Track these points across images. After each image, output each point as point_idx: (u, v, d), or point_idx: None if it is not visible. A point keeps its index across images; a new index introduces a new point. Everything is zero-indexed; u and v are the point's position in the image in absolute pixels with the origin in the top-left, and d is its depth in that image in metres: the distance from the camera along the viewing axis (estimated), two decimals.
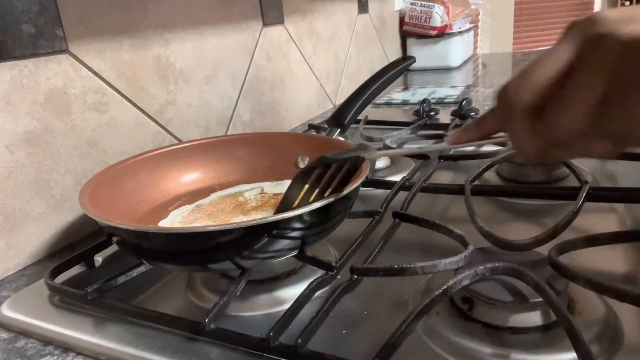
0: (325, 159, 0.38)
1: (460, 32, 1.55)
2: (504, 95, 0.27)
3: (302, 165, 0.54)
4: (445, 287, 0.32)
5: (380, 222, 0.47)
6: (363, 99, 0.63)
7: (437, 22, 1.49)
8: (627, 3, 3.85)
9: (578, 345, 0.28)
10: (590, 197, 0.47)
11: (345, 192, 0.37)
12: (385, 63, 0.70)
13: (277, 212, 0.40)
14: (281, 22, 0.94)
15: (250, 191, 0.52)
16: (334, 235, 0.41)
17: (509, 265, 0.34)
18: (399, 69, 0.68)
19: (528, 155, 0.28)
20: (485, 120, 0.31)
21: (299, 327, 0.32)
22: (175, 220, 0.47)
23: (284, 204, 0.40)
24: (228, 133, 0.80)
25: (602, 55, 0.23)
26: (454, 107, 0.90)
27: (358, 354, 0.33)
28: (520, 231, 0.49)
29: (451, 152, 0.70)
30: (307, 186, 0.39)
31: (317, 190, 0.39)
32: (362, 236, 0.43)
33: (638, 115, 0.23)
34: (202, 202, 0.50)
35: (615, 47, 0.23)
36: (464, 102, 0.87)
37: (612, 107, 0.23)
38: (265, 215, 0.45)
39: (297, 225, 0.36)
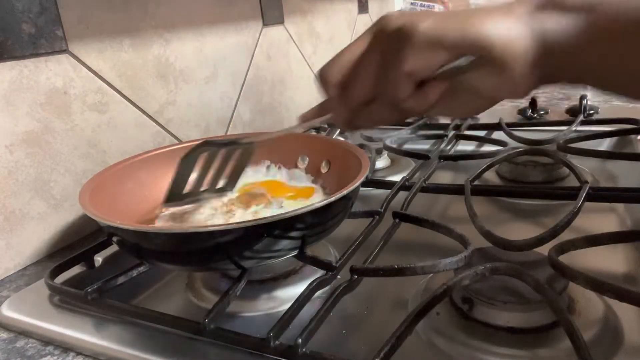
0: (209, 143, 0.43)
1: None
2: (320, 75, 0.34)
3: (301, 166, 0.54)
4: (445, 287, 0.32)
5: (380, 222, 0.47)
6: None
7: None
8: None
9: (578, 345, 0.28)
10: (590, 197, 0.47)
11: (345, 192, 0.37)
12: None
13: (168, 195, 0.43)
14: (281, 22, 0.94)
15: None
16: (334, 235, 0.41)
17: (509, 265, 0.34)
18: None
19: (341, 123, 0.35)
20: (323, 102, 0.37)
21: (299, 327, 0.32)
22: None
23: (174, 188, 0.43)
24: (228, 133, 0.80)
25: (377, 39, 0.32)
26: None
27: (358, 354, 0.33)
28: (520, 231, 0.49)
29: (451, 152, 0.71)
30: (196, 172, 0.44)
31: (209, 176, 0.44)
32: (362, 236, 0.43)
33: (396, 84, 0.30)
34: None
35: (384, 34, 0.31)
36: None
37: (382, 77, 0.31)
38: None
39: (297, 225, 0.36)
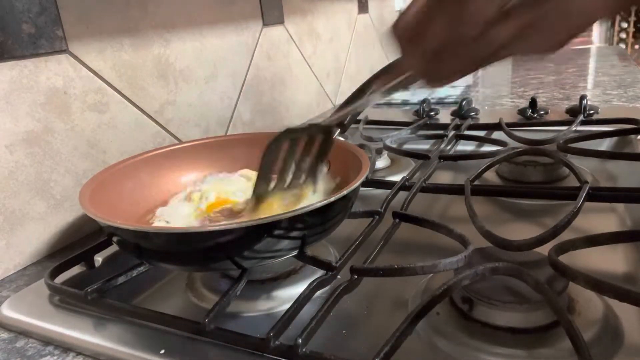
0: (290, 130, 0.41)
1: None
2: (394, 28, 0.31)
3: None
4: (445, 287, 0.32)
5: (380, 222, 0.47)
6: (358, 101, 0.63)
7: None
8: None
9: (578, 345, 0.28)
10: (590, 197, 0.47)
11: (345, 192, 0.37)
12: (385, 63, 0.70)
13: (256, 185, 0.42)
14: (281, 22, 0.94)
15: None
16: (334, 235, 0.41)
17: (509, 265, 0.34)
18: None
19: (425, 75, 0.32)
20: (393, 64, 0.36)
21: (299, 327, 0.32)
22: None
23: (261, 177, 0.42)
24: (228, 133, 0.80)
25: None
26: (454, 107, 0.90)
27: (358, 354, 0.33)
28: (520, 231, 0.49)
29: (451, 152, 0.71)
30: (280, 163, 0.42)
31: (292, 167, 0.43)
32: (362, 236, 0.43)
33: (478, 10, 0.27)
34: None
35: None
36: (464, 102, 0.87)
37: (462, 6, 0.27)
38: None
39: (297, 225, 0.36)
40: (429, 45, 0.30)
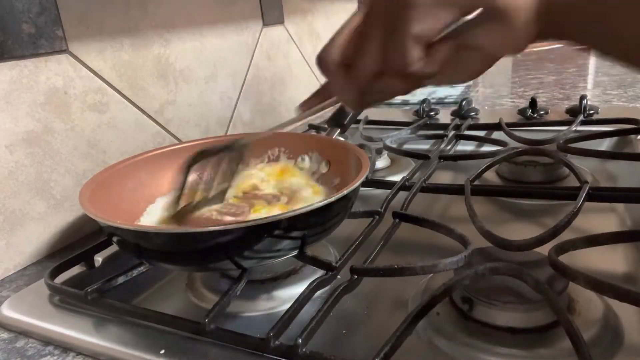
0: (203, 152, 0.43)
1: None
2: (319, 59, 0.34)
3: (302, 166, 0.54)
4: (445, 287, 0.32)
5: (380, 222, 0.47)
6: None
7: None
8: None
9: (578, 345, 0.28)
10: (590, 197, 0.47)
11: (345, 192, 0.37)
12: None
13: (171, 204, 0.43)
14: (281, 22, 0.94)
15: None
16: (334, 235, 0.41)
17: (509, 265, 0.34)
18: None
19: (350, 104, 0.34)
20: (322, 87, 0.38)
21: (299, 327, 0.32)
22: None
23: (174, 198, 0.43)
24: (228, 133, 0.80)
25: (375, 8, 0.30)
26: (454, 107, 0.90)
27: (358, 354, 0.33)
28: (520, 231, 0.49)
29: (451, 152, 0.71)
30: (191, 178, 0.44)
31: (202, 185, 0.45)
32: (362, 236, 0.43)
33: (405, 50, 0.29)
34: None
35: (382, 1, 0.30)
36: (464, 102, 0.87)
37: (388, 46, 0.29)
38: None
39: (297, 225, 0.36)
40: (363, 76, 0.32)
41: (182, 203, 0.44)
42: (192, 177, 0.54)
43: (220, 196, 0.47)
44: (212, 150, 0.43)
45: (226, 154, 0.44)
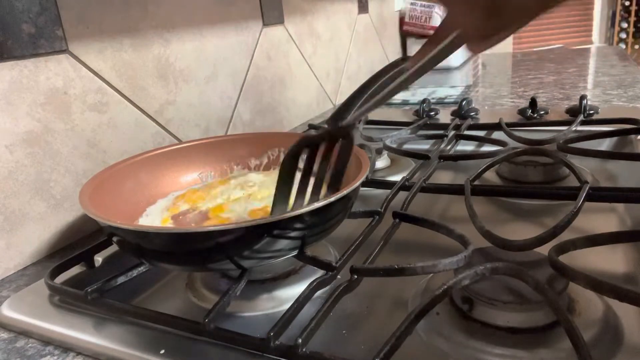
0: (307, 138, 0.37)
1: None
2: None
3: (302, 166, 0.54)
4: (445, 287, 0.32)
5: (380, 222, 0.47)
6: (363, 99, 0.63)
7: (437, 22, 1.49)
8: (627, 3, 3.85)
9: (578, 345, 0.28)
10: (590, 197, 0.47)
11: (345, 192, 0.37)
12: (385, 63, 0.70)
13: (274, 204, 0.39)
14: (281, 22, 0.94)
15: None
16: (334, 235, 0.41)
17: (509, 265, 0.34)
18: (399, 69, 0.68)
19: (474, 32, 0.29)
20: (436, 30, 0.31)
21: (299, 327, 0.32)
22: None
23: (279, 197, 0.39)
24: (228, 133, 0.80)
25: None
26: (454, 107, 0.90)
27: (358, 354, 0.33)
28: (520, 231, 0.49)
29: (451, 152, 0.71)
30: (298, 175, 0.38)
31: (312, 179, 0.38)
32: (362, 236, 0.43)
33: None
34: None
35: None
36: (464, 102, 0.87)
37: None
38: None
39: (297, 225, 0.36)
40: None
41: (291, 201, 0.39)
42: (191, 176, 0.54)
43: (335, 186, 0.40)
44: (316, 138, 0.37)
45: (334, 137, 0.37)
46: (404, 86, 0.34)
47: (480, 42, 0.29)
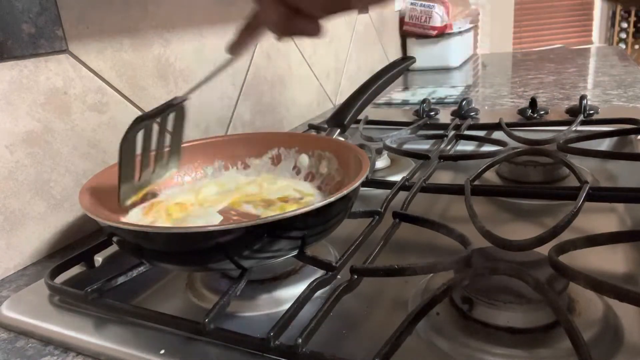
0: (142, 117, 0.42)
1: (460, 32, 1.55)
2: None
3: (301, 166, 0.54)
4: (445, 287, 0.32)
5: (380, 222, 0.47)
6: (363, 99, 0.63)
7: (437, 22, 1.49)
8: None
9: (578, 345, 0.28)
10: (590, 197, 0.47)
11: (345, 192, 0.37)
12: (385, 63, 0.70)
13: (120, 189, 0.43)
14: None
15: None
16: (334, 235, 0.41)
17: (509, 265, 0.34)
18: (399, 69, 0.68)
19: (275, 28, 0.36)
20: (248, 20, 0.39)
21: (299, 327, 0.32)
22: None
23: (124, 180, 0.43)
24: (228, 133, 0.80)
25: None
26: (454, 107, 0.90)
27: (358, 354, 0.33)
28: (520, 231, 0.49)
29: (451, 152, 0.71)
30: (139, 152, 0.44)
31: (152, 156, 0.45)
32: (362, 236, 0.43)
33: None
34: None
35: None
36: (464, 102, 0.87)
37: None
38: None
39: (297, 225, 0.36)
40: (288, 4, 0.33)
41: (137, 179, 0.45)
42: (191, 176, 0.54)
43: (175, 160, 0.49)
44: (149, 114, 0.43)
45: (167, 112, 0.45)
46: (221, 70, 0.43)
47: (284, 35, 0.37)
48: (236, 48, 0.40)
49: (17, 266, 0.50)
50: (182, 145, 0.49)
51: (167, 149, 0.48)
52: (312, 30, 0.36)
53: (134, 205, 0.47)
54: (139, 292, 0.44)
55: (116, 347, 0.35)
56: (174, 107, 0.45)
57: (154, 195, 0.49)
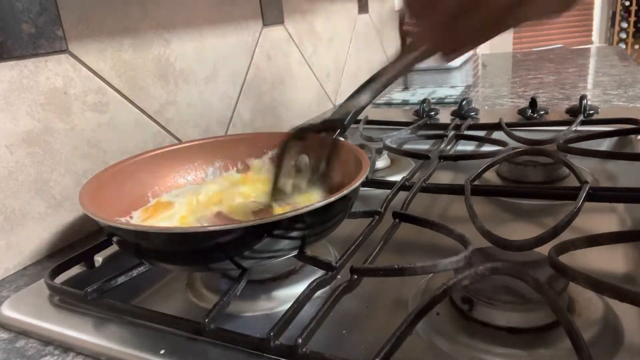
0: (301, 129, 0.40)
1: None
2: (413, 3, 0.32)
3: (301, 165, 0.54)
4: (445, 287, 0.32)
5: (380, 222, 0.47)
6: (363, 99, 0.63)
7: None
8: (627, 3, 3.85)
9: (578, 345, 0.28)
10: (590, 197, 0.47)
11: (345, 192, 0.37)
12: (386, 63, 0.70)
13: (271, 197, 0.42)
14: (281, 22, 0.94)
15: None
16: (334, 235, 0.41)
17: (509, 265, 0.34)
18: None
19: (438, 46, 0.33)
20: (406, 45, 0.36)
21: (299, 327, 0.32)
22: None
23: (275, 190, 0.42)
24: (228, 133, 0.80)
25: None
26: (454, 107, 0.90)
27: (358, 354, 0.33)
28: (520, 231, 0.49)
29: (451, 152, 0.71)
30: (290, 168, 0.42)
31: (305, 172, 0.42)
32: (362, 236, 0.43)
33: None
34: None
35: None
36: (464, 102, 0.87)
37: None
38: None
39: (297, 225, 0.36)
40: (443, 11, 0.30)
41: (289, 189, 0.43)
42: (191, 176, 0.54)
43: (323, 180, 0.44)
44: (312, 127, 0.41)
45: (327, 131, 0.41)
46: (381, 90, 0.39)
47: (445, 56, 0.33)
48: (389, 71, 0.37)
49: (17, 266, 0.50)
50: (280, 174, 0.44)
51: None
52: (475, 44, 0.32)
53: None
54: (139, 292, 0.44)
55: (116, 347, 0.35)
56: (333, 123, 0.41)
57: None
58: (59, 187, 0.53)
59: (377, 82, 0.38)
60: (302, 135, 0.41)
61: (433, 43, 0.33)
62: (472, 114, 0.86)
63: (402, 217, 0.47)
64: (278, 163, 0.41)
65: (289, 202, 0.43)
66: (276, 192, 0.42)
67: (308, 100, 1.06)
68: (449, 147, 0.71)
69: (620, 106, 0.88)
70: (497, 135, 0.74)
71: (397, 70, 0.36)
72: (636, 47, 3.99)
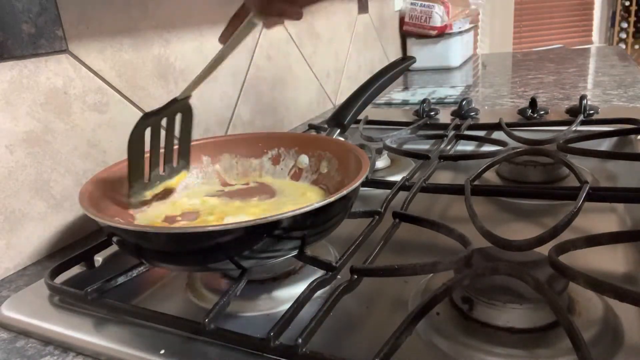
0: (147, 114, 0.44)
1: (460, 32, 1.55)
2: None
3: (301, 166, 0.54)
4: (445, 287, 0.32)
5: (380, 222, 0.47)
6: (363, 99, 0.63)
7: (437, 22, 1.49)
8: (627, 3, 3.86)
9: (578, 345, 0.28)
10: (590, 197, 0.47)
11: (345, 192, 0.37)
12: (385, 63, 0.70)
13: (132, 181, 0.44)
14: (281, 22, 0.94)
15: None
16: (334, 235, 0.41)
17: (509, 265, 0.34)
18: (399, 69, 0.68)
19: (263, 12, 0.39)
20: (237, 12, 0.43)
21: (299, 327, 0.32)
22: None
23: (133, 179, 0.44)
24: (228, 133, 0.80)
25: None
26: (454, 107, 0.90)
27: (358, 354, 0.33)
28: (520, 231, 0.49)
29: (451, 152, 0.71)
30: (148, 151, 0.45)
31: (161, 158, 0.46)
32: (362, 236, 0.43)
33: None
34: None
35: None
36: (464, 102, 0.87)
37: None
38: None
39: (297, 225, 0.36)
40: None
41: (147, 176, 0.46)
42: (190, 176, 0.54)
43: (185, 162, 0.50)
44: (156, 111, 0.44)
45: (173, 112, 0.46)
46: (219, 63, 0.45)
47: (270, 21, 0.40)
48: (226, 36, 0.42)
49: (17, 266, 0.50)
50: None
51: (175, 149, 0.49)
52: (292, 13, 0.39)
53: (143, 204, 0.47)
54: (139, 292, 0.44)
55: (116, 347, 0.35)
56: (180, 106, 0.46)
57: (167, 194, 0.50)
58: (59, 187, 0.53)
59: (218, 54, 0.45)
60: (149, 122, 0.44)
61: (258, 8, 0.39)
62: (472, 114, 0.86)
63: (402, 217, 0.47)
64: (130, 156, 0.43)
65: (155, 191, 0.47)
66: (137, 187, 0.45)
67: (308, 100, 1.06)
68: (449, 147, 0.71)
69: (620, 106, 0.88)
70: (497, 135, 0.74)
71: (232, 40, 0.43)
72: (636, 47, 3.99)
